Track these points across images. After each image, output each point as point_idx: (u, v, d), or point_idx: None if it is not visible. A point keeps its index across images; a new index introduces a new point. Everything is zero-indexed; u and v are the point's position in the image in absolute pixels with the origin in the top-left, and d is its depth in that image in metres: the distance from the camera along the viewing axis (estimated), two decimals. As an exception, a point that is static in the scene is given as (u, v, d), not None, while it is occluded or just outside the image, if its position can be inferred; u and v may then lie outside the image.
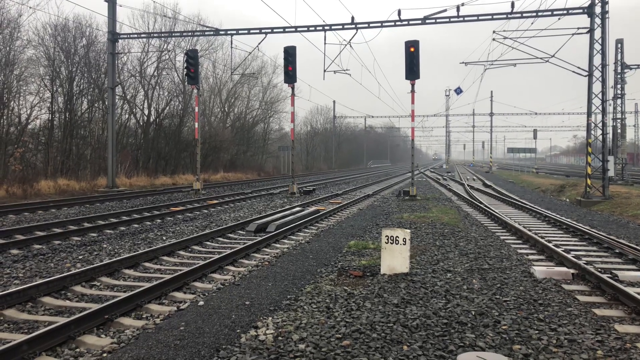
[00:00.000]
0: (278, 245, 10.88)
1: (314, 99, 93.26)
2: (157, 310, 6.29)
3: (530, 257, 9.40)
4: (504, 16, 21.46)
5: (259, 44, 25.09)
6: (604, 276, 7.28)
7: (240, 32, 24.51)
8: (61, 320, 5.62)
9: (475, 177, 44.50)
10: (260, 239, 10.80)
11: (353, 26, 23.08)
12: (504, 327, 5.35)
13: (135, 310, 6.27)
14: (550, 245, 9.93)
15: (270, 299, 6.37)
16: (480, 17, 21.62)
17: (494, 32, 23.09)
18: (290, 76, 22.80)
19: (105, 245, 10.56)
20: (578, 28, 21.19)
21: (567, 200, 23.54)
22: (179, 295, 6.97)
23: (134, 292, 6.47)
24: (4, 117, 27.21)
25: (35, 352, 4.81)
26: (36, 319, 6.02)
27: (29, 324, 5.87)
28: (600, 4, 20.48)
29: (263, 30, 24.11)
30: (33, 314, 6.24)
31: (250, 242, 10.31)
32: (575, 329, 5.33)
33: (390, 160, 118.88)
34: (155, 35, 33.51)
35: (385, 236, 7.66)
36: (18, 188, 20.99)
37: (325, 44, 23.63)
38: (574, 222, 13.72)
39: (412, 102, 21.72)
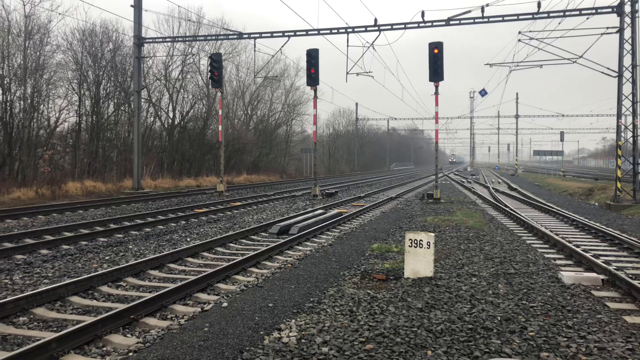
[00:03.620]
0: (301, 248, 10.89)
1: (336, 102, 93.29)
2: (182, 311, 6.35)
3: (558, 262, 9.21)
4: (530, 16, 21.14)
5: (282, 47, 25.12)
6: (635, 282, 7.08)
7: (263, 35, 24.67)
8: (89, 319, 5.71)
9: (500, 180, 43.89)
10: (282, 241, 10.83)
11: (376, 28, 23.02)
12: (531, 333, 5.25)
13: (160, 310, 6.34)
14: (578, 250, 9.72)
15: (293, 302, 6.37)
16: (505, 18, 21.34)
17: (519, 32, 22.79)
18: (312, 79, 22.84)
19: (131, 246, 10.72)
20: (607, 28, 20.76)
21: (596, 204, 23.02)
22: (203, 296, 7.02)
23: (159, 292, 6.55)
24: (34, 121, 27.90)
25: (64, 350, 4.90)
26: (65, 317, 6.13)
27: (58, 322, 5.98)
28: (630, 2, 20.02)
29: (286, 34, 24.22)
30: (62, 312, 6.36)
31: (273, 244, 10.34)
32: (605, 337, 5.20)
33: (413, 163, 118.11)
34: (179, 39, 33.96)
35: (409, 239, 7.60)
36: (47, 189, 21.48)
37: (347, 46, 23.61)
38: (603, 227, 13.41)
39: (436, 104, 21.54)
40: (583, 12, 20.41)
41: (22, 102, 26.78)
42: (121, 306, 6.18)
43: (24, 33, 26.68)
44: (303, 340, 5.01)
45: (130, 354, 4.79)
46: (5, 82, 26.25)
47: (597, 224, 13.94)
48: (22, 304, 6.22)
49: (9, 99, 26.31)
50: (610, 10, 20.34)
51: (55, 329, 5.77)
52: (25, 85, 26.79)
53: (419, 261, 7.58)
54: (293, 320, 5.62)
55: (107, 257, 9.56)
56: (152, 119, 37.39)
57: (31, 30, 27.02)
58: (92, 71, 30.88)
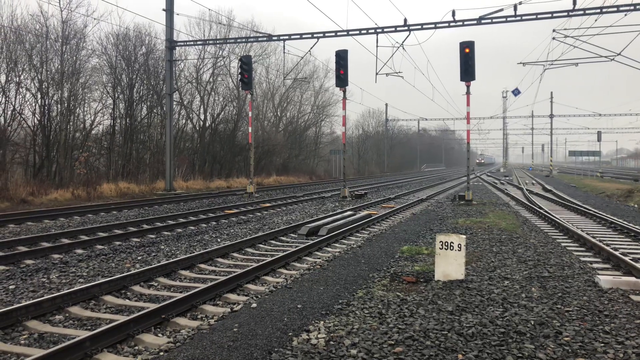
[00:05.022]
0: (330, 249, 10.87)
1: (365, 102, 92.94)
2: (212, 311, 6.40)
3: (595, 265, 8.94)
4: (565, 14, 20.63)
5: (311, 48, 25.22)
6: (677, 287, 6.81)
7: (292, 37, 24.76)
8: (121, 318, 5.82)
9: (534, 182, 42.96)
10: (312, 242, 10.83)
11: (406, 28, 22.84)
12: (566, 338, 5.10)
13: (190, 310, 6.41)
14: (616, 253, 9.41)
15: (322, 303, 6.35)
16: (539, 16, 20.87)
17: (554, 30, 22.29)
18: (341, 80, 22.81)
19: (162, 247, 10.89)
20: (646, 24, 20.07)
21: (636, 206, 22.27)
22: (232, 297, 7.07)
23: (189, 292, 6.63)
24: (71, 123, 28.69)
25: (97, 349, 5.00)
26: (98, 316, 6.26)
27: (92, 321, 6.11)
28: (670, -3, 19.33)
29: (315, 35, 24.25)
30: (96, 311, 6.50)
31: (302, 246, 10.35)
32: (645, 343, 5.01)
33: (444, 164, 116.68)
34: (210, 42, 34.43)
35: (440, 242, 7.49)
36: (82, 191, 22.06)
37: (377, 46, 23.48)
38: (642, 229, 12.95)
39: (468, 104, 21.23)
40: (621, 8, 19.81)
41: (59, 106, 27.58)
42: (153, 306, 6.28)
43: (61, 38, 27.49)
44: (332, 342, 4.99)
45: (161, 353, 4.85)
46: (44, 86, 27.08)
47: (636, 227, 13.47)
48: (58, 303, 6.38)
49: (47, 102, 27.14)
50: (649, 5, 19.68)
51: (89, 327, 5.89)
52: (62, 89, 27.59)
53: (449, 264, 7.47)
54: (322, 322, 5.60)
55: (139, 257, 9.74)
56: (183, 121, 38.04)
57: (68, 36, 27.82)
58: (125, 75, 31.58)
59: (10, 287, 7.52)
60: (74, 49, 28.31)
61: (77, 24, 28.64)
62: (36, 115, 27.12)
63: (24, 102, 26.84)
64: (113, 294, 7.13)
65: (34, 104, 27.15)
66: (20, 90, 26.43)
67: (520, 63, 28.60)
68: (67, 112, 27.88)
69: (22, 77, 26.56)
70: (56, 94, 27.54)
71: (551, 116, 62.47)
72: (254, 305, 6.28)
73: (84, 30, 28.97)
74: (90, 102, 30.73)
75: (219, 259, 9.64)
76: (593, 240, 10.90)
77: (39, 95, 27.00)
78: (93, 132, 31.25)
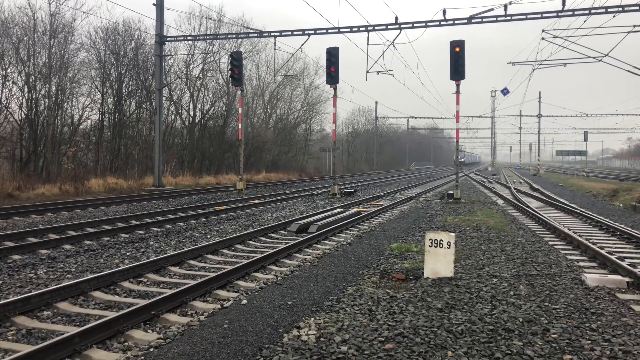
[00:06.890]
0: (319, 246, 10.89)
1: (356, 100, 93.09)
2: (202, 308, 6.39)
3: (581, 263, 9.05)
4: (554, 14, 20.78)
5: (302, 45, 25.11)
6: (662, 285, 6.92)
7: (283, 33, 24.70)
8: (110, 314, 5.80)
9: (522, 180, 43.31)
10: (302, 239, 10.84)
11: (397, 26, 22.88)
12: (553, 335, 5.16)
13: (180, 307, 6.40)
14: (602, 251, 9.53)
15: (312, 300, 6.37)
16: (528, 16, 21.01)
17: (543, 30, 22.44)
18: (332, 77, 22.81)
19: (151, 243, 10.84)
20: (634, 26, 20.30)
21: (621, 205, 22.55)
22: (222, 293, 7.07)
23: (179, 289, 6.61)
24: (58, 118, 28.37)
25: (86, 345, 4.98)
26: (87, 312, 6.23)
27: (81, 317, 6.08)
28: (658, 0, 19.54)
29: (306, 32, 24.20)
30: (84, 307, 6.46)
31: (292, 242, 10.36)
32: (630, 340, 5.09)
33: (433, 162, 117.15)
34: (200, 37, 34.22)
35: (429, 239, 7.54)
36: (70, 186, 21.85)
37: (368, 44, 23.52)
38: (628, 229, 13.13)
39: (457, 103, 21.34)
40: (609, 9, 19.98)
41: (46, 100, 27.27)
42: (142, 302, 6.25)
43: (49, 31, 27.15)
44: (322, 339, 5.00)
45: (151, 349, 4.83)
46: (31, 80, 26.75)
47: (621, 226, 13.65)
48: (46, 298, 6.33)
49: (34, 96, 26.81)
50: (637, 7, 19.87)
51: (78, 323, 5.86)
52: (50, 83, 27.27)
53: (439, 261, 7.52)
54: (312, 319, 5.62)
55: (128, 253, 9.68)
56: (173, 117, 37.78)
57: (56, 29, 27.48)
58: (114, 69, 31.28)
59: (-3, 282, 7.44)
60: (62, 43, 27.99)
61: (66, 18, 28.30)
62: (23, 109, 26.81)
63: (10, 95, 26.54)
64: (102, 290, 7.09)
65: (20, 98, 26.86)
66: (7, 83, 26.12)
67: (510, 63, 28.81)
68: (54, 107, 27.57)
69: (8, 70, 26.24)
70: (44, 87, 27.23)
71: (539, 116, 63.01)
72: (244, 301, 6.28)
73: (72, 24, 28.66)
74: (79, 96, 30.40)
75: (209, 256, 9.61)
76: (580, 238, 11.03)
77: (26, 89, 26.67)
78: (81, 126, 30.95)
